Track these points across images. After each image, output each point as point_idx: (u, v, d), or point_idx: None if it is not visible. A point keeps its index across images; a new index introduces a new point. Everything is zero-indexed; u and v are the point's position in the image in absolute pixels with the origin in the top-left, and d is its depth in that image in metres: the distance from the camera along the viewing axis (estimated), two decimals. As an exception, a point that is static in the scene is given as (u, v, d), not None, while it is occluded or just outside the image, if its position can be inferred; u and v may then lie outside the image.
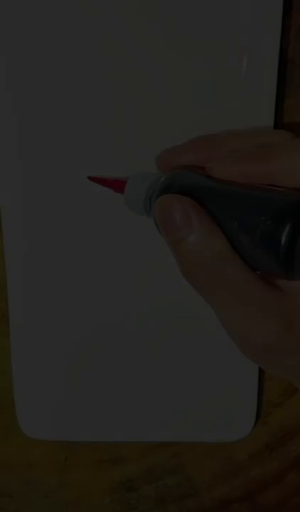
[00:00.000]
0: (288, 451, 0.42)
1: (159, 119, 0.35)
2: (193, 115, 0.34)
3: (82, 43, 0.34)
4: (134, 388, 0.39)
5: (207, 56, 0.34)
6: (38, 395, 0.39)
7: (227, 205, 0.26)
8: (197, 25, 0.34)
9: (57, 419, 0.40)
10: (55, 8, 0.33)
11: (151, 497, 0.42)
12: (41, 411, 0.39)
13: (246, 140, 0.28)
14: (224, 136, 0.29)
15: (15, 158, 0.36)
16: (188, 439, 0.41)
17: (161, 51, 0.34)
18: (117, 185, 0.32)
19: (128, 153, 0.35)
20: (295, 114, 0.36)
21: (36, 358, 0.38)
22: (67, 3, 0.33)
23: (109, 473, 0.42)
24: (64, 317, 0.38)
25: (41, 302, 0.38)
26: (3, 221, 0.36)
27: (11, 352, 0.38)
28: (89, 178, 0.34)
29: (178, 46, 0.34)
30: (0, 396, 0.40)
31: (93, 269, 0.37)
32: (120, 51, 0.34)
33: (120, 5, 0.33)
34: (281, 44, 0.34)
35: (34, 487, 0.42)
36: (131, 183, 0.31)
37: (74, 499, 0.42)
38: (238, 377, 0.39)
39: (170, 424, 0.40)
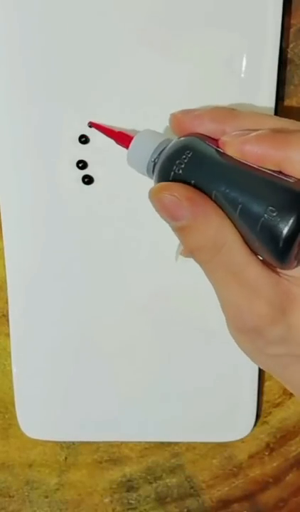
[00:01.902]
0: (288, 451, 0.41)
1: (159, 119, 0.35)
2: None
3: (81, 38, 0.34)
4: (133, 388, 0.39)
5: (207, 56, 0.34)
6: (38, 395, 0.39)
7: (233, 185, 0.26)
8: (197, 25, 0.34)
9: (57, 419, 0.40)
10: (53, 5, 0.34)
11: (151, 497, 0.42)
12: (41, 411, 0.39)
13: (266, 122, 0.27)
14: (245, 114, 0.29)
15: (15, 158, 0.36)
16: (188, 439, 0.41)
17: (160, 51, 0.34)
18: (122, 138, 0.31)
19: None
20: (295, 114, 0.36)
21: (36, 358, 0.38)
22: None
23: (109, 473, 0.42)
24: (64, 317, 0.38)
25: (41, 302, 0.38)
26: (3, 221, 0.36)
27: (11, 352, 0.38)
28: (91, 123, 0.33)
29: (178, 46, 0.34)
30: (0, 396, 0.40)
31: (93, 268, 0.37)
32: (119, 51, 0.34)
33: (120, 3, 0.33)
34: (281, 44, 0.34)
35: (34, 487, 0.42)
36: (137, 140, 0.30)
37: (74, 499, 0.42)
38: (238, 377, 0.39)
39: (170, 424, 0.40)
